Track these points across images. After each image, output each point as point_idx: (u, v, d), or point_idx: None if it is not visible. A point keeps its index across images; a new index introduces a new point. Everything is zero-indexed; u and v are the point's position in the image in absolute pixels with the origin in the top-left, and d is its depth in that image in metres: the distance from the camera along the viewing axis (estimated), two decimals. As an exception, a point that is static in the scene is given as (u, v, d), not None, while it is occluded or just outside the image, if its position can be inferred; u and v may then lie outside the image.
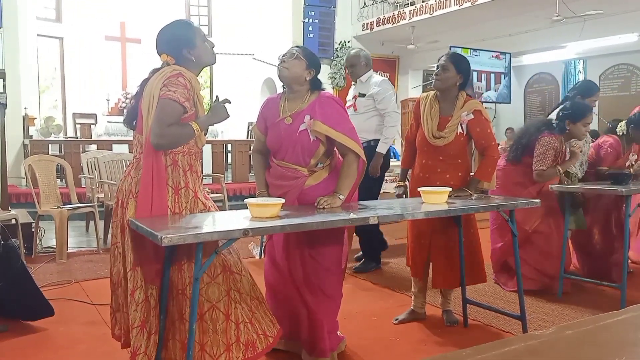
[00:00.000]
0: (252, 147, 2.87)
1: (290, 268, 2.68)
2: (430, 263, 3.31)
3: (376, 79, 4.76)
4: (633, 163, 4.13)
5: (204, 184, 2.65)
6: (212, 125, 2.46)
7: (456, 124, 3.13)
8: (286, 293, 2.72)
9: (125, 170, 2.44)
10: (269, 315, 2.40)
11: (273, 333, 2.37)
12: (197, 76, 2.41)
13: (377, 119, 4.49)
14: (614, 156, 4.12)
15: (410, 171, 3.45)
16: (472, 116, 3.12)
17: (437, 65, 3.20)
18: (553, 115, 4.28)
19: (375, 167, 4.33)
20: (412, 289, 3.45)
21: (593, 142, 4.42)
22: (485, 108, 3.36)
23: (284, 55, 2.68)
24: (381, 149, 4.40)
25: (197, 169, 2.40)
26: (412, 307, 3.42)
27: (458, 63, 3.17)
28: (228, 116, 2.42)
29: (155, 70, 2.37)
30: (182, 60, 2.34)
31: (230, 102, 2.45)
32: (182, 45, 2.34)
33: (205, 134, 2.44)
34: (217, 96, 2.51)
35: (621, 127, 4.19)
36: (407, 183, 3.49)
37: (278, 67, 2.68)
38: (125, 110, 2.55)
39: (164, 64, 2.35)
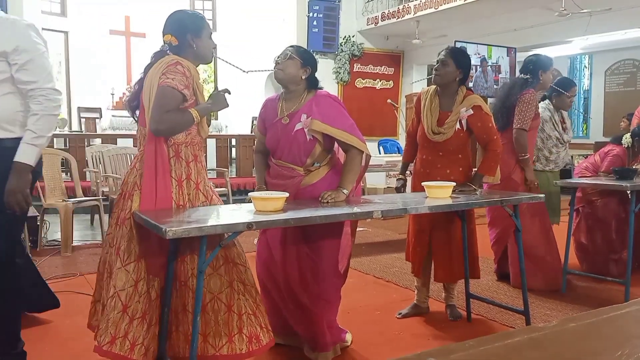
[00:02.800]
0: (254, 148, 2.90)
1: (286, 266, 2.67)
2: (432, 258, 3.31)
3: (22, 23, 2.32)
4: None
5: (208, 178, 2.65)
6: (212, 113, 2.47)
7: (455, 120, 3.12)
8: (281, 290, 2.71)
9: (131, 163, 2.45)
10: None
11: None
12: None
13: (16, 100, 2.30)
14: (619, 165, 4.09)
15: (411, 165, 3.46)
16: (471, 112, 3.10)
17: (437, 60, 3.19)
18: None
19: (13, 189, 2.27)
20: (415, 283, 3.45)
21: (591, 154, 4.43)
22: (489, 104, 3.34)
23: (278, 57, 2.69)
24: (26, 155, 2.26)
25: (201, 159, 2.41)
26: (415, 302, 3.43)
27: (458, 58, 3.15)
28: (227, 105, 2.44)
29: (156, 54, 2.38)
30: (184, 44, 2.36)
31: (230, 93, 2.46)
32: (188, 31, 2.36)
33: (208, 125, 2.45)
34: (216, 86, 2.52)
35: (626, 139, 4.17)
36: (406, 177, 3.49)
37: (274, 69, 2.68)
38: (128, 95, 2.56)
39: (165, 45, 2.37)
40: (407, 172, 3.53)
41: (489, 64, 7.66)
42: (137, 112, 2.43)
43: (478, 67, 7.52)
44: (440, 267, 3.26)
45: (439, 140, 3.15)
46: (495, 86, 7.61)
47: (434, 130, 3.17)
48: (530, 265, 3.77)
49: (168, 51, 2.37)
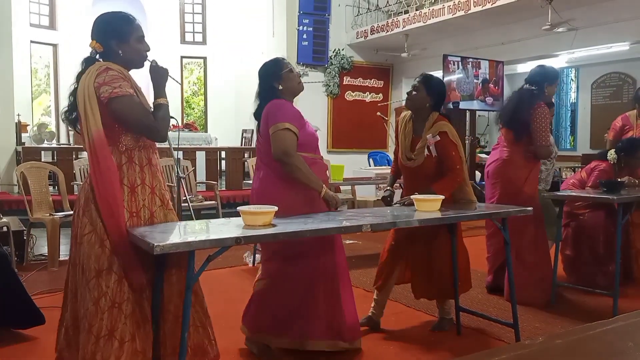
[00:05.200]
0: (292, 149, 2.70)
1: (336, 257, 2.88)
2: (411, 273, 3.34)
3: None
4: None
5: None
6: (162, 86, 2.35)
7: (423, 146, 3.15)
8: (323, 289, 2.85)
9: (84, 179, 2.38)
10: None
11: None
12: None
13: None
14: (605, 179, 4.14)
15: (399, 180, 3.51)
16: (438, 138, 3.13)
17: (412, 85, 3.25)
18: None
19: None
20: (375, 296, 3.42)
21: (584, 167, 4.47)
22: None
23: (299, 71, 2.92)
24: None
25: (156, 162, 2.34)
26: (370, 313, 3.40)
27: (430, 85, 3.21)
28: (167, 70, 2.38)
29: (87, 60, 2.30)
30: (108, 51, 2.28)
31: (156, 61, 2.38)
32: (112, 37, 2.27)
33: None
34: (153, 60, 2.43)
35: (611, 155, 4.22)
36: (395, 189, 3.51)
37: (299, 80, 2.88)
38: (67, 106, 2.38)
39: (93, 51, 2.29)
40: (397, 184, 3.55)
41: (469, 61, 7.86)
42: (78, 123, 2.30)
43: (459, 63, 7.76)
44: (418, 284, 3.28)
45: (412, 166, 3.20)
46: (475, 80, 7.88)
47: (407, 156, 3.23)
48: (530, 278, 3.81)
49: (98, 57, 2.29)
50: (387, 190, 3.49)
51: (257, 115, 2.90)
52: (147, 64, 2.37)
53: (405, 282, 3.41)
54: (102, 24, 2.31)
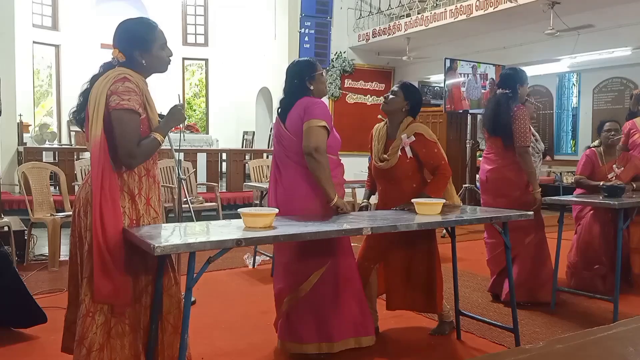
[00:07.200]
0: (324, 146, 2.76)
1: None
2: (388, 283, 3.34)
3: None
4: (616, 174, 4.22)
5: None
6: (169, 127, 2.36)
7: (398, 146, 3.16)
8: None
9: (84, 178, 2.37)
10: None
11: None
12: (147, 79, 2.33)
13: None
14: (590, 166, 4.28)
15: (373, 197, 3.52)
16: (413, 138, 3.13)
17: (390, 91, 3.29)
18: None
19: None
20: None
21: None
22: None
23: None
24: None
25: (154, 174, 2.34)
26: None
27: (408, 91, 3.24)
28: (185, 118, 2.42)
29: (105, 65, 2.30)
30: (131, 60, 2.27)
31: (182, 106, 2.42)
32: (136, 46, 2.26)
33: (163, 136, 2.34)
34: (178, 95, 2.46)
35: (594, 143, 4.40)
36: (370, 203, 3.51)
37: (326, 86, 2.98)
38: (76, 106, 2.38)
39: (114, 60, 2.29)
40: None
41: (478, 72, 7.95)
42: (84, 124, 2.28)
43: (469, 74, 7.85)
44: (392, 292, 3.29)
45: (385, 167, 3.20)
46: (482, 90, 8.02)
47: (380, 157, 3.23)
48: (536, 278, 3.87)
49: (117, 64, 2.28)
50: (363, 202, 3.49)
51: (284, 110, 2.91)
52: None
53: (383, 293, 3.39)
54: (125, 33, 2.30)
